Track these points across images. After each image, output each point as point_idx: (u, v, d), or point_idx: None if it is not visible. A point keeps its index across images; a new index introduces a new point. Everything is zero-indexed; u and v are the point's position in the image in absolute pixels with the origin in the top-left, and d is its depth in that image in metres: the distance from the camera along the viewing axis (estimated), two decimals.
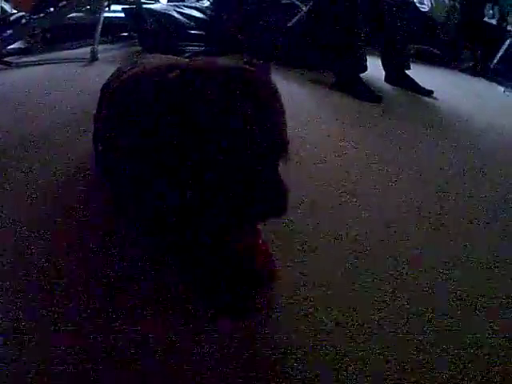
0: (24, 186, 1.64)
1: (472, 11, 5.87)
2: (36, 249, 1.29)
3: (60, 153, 1.93)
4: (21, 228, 1.39)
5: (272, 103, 1.16)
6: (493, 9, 5.65)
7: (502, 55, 5.25)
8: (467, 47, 5.57)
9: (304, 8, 3.89)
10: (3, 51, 3.84)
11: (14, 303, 1.11)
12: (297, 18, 3.79)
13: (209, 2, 4.54)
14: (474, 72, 5.06)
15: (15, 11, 4.48)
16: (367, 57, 3.36)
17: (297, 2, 4.13)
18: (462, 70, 5.11)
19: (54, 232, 1.38)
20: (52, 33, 4.45)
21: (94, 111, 1.69)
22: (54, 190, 1.63)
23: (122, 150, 1.37)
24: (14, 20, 3.91)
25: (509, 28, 5.36)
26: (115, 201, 1.55)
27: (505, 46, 5.25)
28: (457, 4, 5.84)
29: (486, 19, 5.72)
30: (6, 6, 4.56)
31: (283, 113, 1.19)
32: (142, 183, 1.30)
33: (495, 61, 5.24)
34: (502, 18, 5.50)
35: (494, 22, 5.62)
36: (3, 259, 1.25)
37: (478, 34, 5.82)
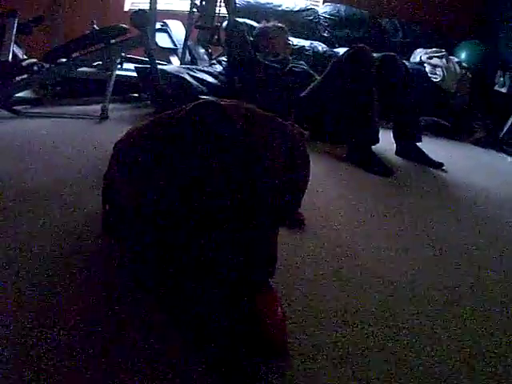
0: (26, 242, 1.56)
1: (483, 80, 5.90)
2: (36, 310, 1.21)
3: (65, 210, 1.86)
4: (21, 284, 1.32)
5: (301, 167, 1.15)
6: (504, 76, 5.66)
7: (510, 124, 5.26)
8: (478, 117, 5.57)
9: (318, 77, 3.88)
10: (12, 99, 3.83)
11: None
12: (310, 87, 3.77)
13: (221, 68, 4.54)
14: (483, 143, 5.04)
15: (26, 57, 4.50)
16: (379, 128, 3.34)
17: (311, 71, 4.12)
18: (472, 142, 5.10)
19: (55, 293, 1.30)
20: (63, 86, 4.47)
21: (104, 170, 1.65)
22: (56, 248, 1.55)
23: (131, 208, 1.34)
24: (26, 66, 3.91)
25: None
26: (122, 262, 1.50)
27: None
28: (468, 73, 5.86)
29: (496, 87, 5.73)
30: (18, 51, 4.57)
31: (305, 181, 1.17)
32: (150, 243, 1.27)
33: (504, 130, 5.24)
34: None
35: (504, 90, 5.63)
36: (3, 312, 1.19)
37: (489, 103, 5.84)
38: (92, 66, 4.41)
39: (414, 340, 1.32)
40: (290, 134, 1.19)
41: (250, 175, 1.08)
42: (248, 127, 1.13)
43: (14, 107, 3.69)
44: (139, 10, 4.12)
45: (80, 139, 3.03)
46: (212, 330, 1.15)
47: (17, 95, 3.88)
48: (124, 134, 1.59)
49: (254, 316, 1.12)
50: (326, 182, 2.78)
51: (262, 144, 1.11)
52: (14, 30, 4.26)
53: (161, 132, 1.30)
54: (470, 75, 5.90)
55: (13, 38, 4.24)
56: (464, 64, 5.98)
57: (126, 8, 6.56)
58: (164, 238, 1.25)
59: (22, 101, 4.03)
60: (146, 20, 3.94)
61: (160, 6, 5.19)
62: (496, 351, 1.32)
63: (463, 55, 6.25)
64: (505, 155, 4.74)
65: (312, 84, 3.79)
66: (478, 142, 5.07)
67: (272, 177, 1.10)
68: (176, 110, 1.33)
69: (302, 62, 4.30)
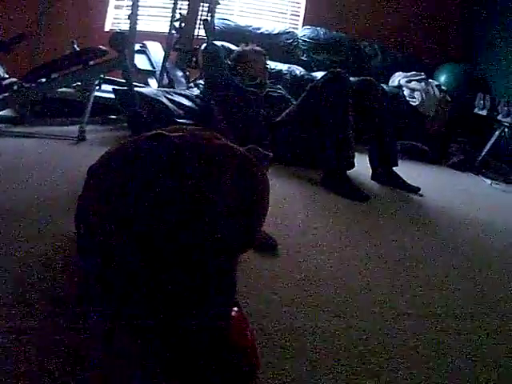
0: None
1: (463, 103, 5.92)
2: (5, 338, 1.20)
3: (39, 230, 1.86)
4: None
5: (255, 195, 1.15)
6: (484, 99, 5.68)
7: (490, 147, 5.28)
8: (456, 141, 5.59)
9: (294, 102, 3.89)
10: None
11: None
12: (286, 112, 3.78)
13: (199, 91, 4.55)
14: (461, 167, 5.06)
15: (7, 76, 4.48)
16: (355, 153, 3.35)
17: (287, 96, 4.14)
18: (450, 166, 5.12)
19: (26, 319, 1.28)
20: (42, 106, 4.45)
21: (79, 192, 1.64)
22: (27, 269, 1.55)
23: (103, 232, 1.34)
24: (6, 85, 3.89)
25: (499, 118, 5.38)
26: (91, 286, 1.48)
27: (493, 138, 5.28)
28: (447, 96, 5.89)
29: (476, 110, 5.75)
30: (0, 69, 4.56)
31: (262, 207, 1.17)
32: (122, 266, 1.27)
33: (483, 153, 5.26)
34: (493, 108, 5.52)
35: (483, 112, 5.65)
36: None
37: (468, 127, 5.86)
38: (71, 87, 4.40)
39: (389, 363, 1.33)
40: (244, 162, 1.19)
41: (196, 207, 1.09)
42: (197, 159, 1.14)
43: None
44: (118, 32, 4.13)
45: (57, 161, 3.04)
46: (184, 357, 1.15)
47: None
48: (98, 159, 1.60)
49: (224, 341, 1.12)
50: (300, 207, 2.80)
51: (211, 176, 1.12)
52: None
53: (121, 161, 1.31)
54: (450, 98, 5.94)
55: None
56: (443, 87, 6.02)
57: (107, 28, 6.56)
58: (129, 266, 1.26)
59: (2, 119, 4.02)
60: (124, 42, 3.94)
61: (139, 27, 5.20)
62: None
63: (442, 78, 6.30)
64: (484, 178, 4.77)
65: (288, 109, 3.80)
66: (455, 166, 5.09)
67: (221, 207, 1.11)
68: (137, 138, 1.34)
69: (279, 87, 4.32)
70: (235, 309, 1.23)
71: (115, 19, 6.67)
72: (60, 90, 4.18)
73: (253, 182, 1.20)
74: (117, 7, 6.66)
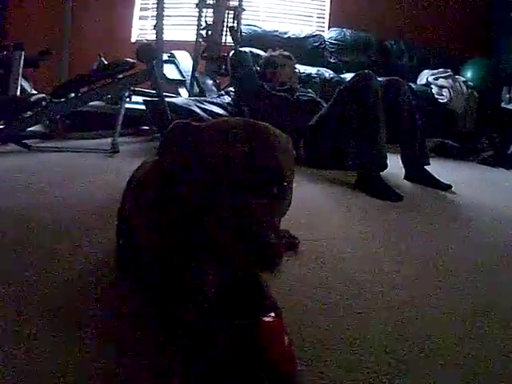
0: (34, 278, 1.54)
1: (490, 97, 5.89)
2: (49, 345, 1.19)
3: (76, 244, 1.85)
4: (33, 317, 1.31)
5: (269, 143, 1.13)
6: (510, 92, 5.65)
7: None
8: (485, 136, 5.56)
9: (325, 105, 3.89)
10: (23, 133, 3.86)
11: None
12: (317, 116, 3.78)
13: (230, 98, 4.56)
14: (492, 162, 5.01)
15: (35, 92, 4.52)
16: (387, 154, 3.34)
17: (318, 99, 4.13)
18: (481, 161, 5.07)
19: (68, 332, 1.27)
20: (72, 120, 4.49)
21: (116, 204, 1.64)
22: (65, 284, 1.54)
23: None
24: (35, 101, 3.92)
25: None
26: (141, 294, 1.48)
27: None
28: (475, 92, 5.86)
29: (503, 105, 5.72)
30: (26, 85, 4.60)
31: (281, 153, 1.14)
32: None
33: None
34: None
35: (510, 106, 5.62)
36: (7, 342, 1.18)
37: (496, 121, 5.82)
38: (101, 100, 4.43)
39: (423, 373, 1.28)
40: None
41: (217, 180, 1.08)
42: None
43: (25, 141, 3.71)
44: (144, 43, 4.15)
45: (91, 174, 3.06)
46: (219, 365, 1.15)
47: (27, 129, 3.91)
48: (135, 170, 1.61)
49: (260, 345, 1.12)
50: (334, 210, 2.78)
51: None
52: (21, 63, 4.30)
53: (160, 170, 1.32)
54: (477, 94, 5.91)
55: (20, 71, 4.28)
56: (470, 83, 5.98)
57: (133, 39, 6.62)
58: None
59: (32, 135, 4.06)
60: (151, 54, 3.96)
61: (166, 37, 5.23)
62: None
63: (469, 74, 6.26)
64: None
65: (319, 112, 3.81)
66: (485, 161, 5.05)
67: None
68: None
69: (309, 90, 4.31)
70: (272, 314, 1.22)
71: (141, 30, 6.72)
72: (90, 103, 4.21)
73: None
74: (142, 18, 6.72)
